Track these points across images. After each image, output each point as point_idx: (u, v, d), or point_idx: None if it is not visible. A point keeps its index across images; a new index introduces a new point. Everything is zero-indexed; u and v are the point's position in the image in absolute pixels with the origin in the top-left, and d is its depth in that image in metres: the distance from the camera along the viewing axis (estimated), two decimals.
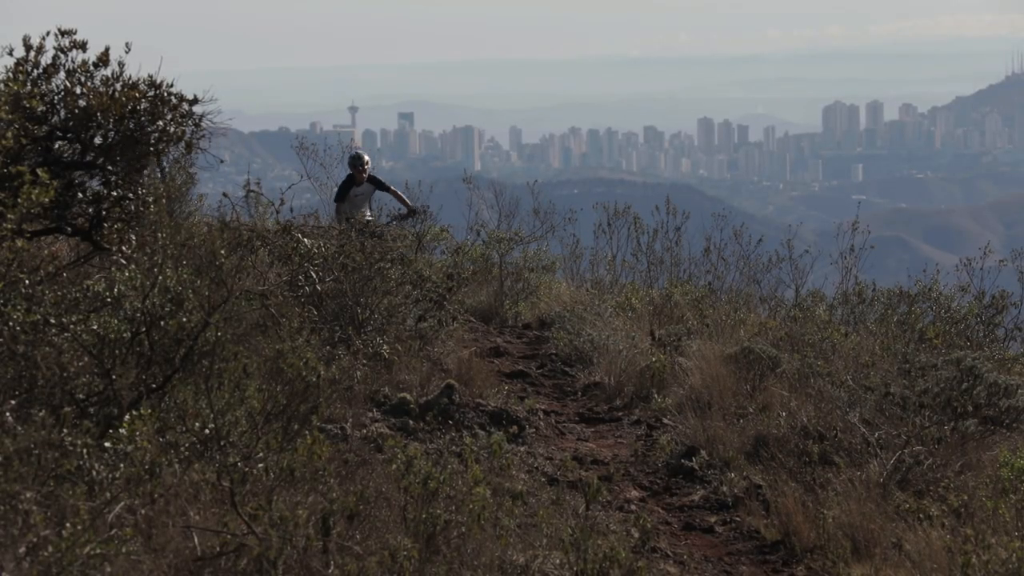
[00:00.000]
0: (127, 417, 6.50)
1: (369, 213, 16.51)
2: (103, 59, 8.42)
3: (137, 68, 8.48)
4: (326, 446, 7.14)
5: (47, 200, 7.16)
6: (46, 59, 8.35)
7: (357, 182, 16.53)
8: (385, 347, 11.90)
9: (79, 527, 5.53)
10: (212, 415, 7.11)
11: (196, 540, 6.43)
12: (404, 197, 16.92)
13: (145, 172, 8.74)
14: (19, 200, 7.08)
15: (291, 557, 6.40)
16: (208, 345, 7.46)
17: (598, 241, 19.01)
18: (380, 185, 16.77)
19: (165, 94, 8.53)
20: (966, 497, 9.20)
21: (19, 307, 7.00)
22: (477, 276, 16.69)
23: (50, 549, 5.44)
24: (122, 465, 6.21)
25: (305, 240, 12.59)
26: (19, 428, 6.21)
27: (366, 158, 16.67)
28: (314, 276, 12.25)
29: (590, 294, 17.20)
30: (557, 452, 11.20)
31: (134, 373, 7.37)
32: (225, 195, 14.28)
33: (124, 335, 7.31)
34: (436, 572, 7.24)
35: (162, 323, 7.40)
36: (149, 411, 6.58)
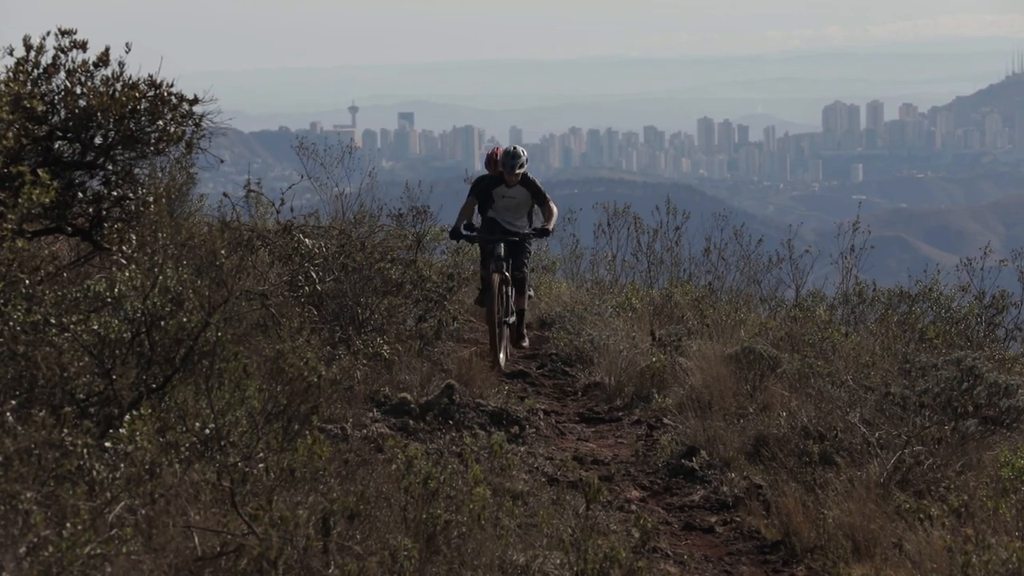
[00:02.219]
0: (127, 417, 6.50)
1: (525, 224, 13.70)
2: (103, 59, 8.42)
3: (137, 68, 8.49)
4: (326, 446, 7.15)
5: (47, 200, 7.16)
6: (46, 59, 8.35)
7: (507, 183, 13.47)
8: (385, 347, 11.90)
9: (79, 527, 5.53)
10: (212, 415, 7.11)
11: (196, 540, 6.43)
12: (554, 217, 13.73)
13: (138, 171, 8.73)
14: (19, 200, 7.08)
15: (291, 557, 6.40)
16: (208, 345, 7.46)
17: (598, 241, 19.02)
18: (538, 195, 13.59)
19: (165, 94, 8.53)
20: (966, 497, 9.20)
21: (19, 307, 7.00)
22: (477, 276, 16.68)
23: (50, 549, 5.44)
24: (122, 465, 6.21)
25: (306, 240, 12.59)
26: (19, 428, 6.21)
27: (524, 157, 13.50)
28: (314, 276, 12.25)
29: (590, 294, 17.20)
30: (557, 452, 11.20)
31: (134, 373, 7.37)
32: (225, 195, 14.28)
33: (124, 335, 7.31)
34: (436, 572, 7.24)
35: (162, 323, 7.40)
36: (149, 411, 6.58)
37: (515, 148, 13.43)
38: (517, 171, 13.28)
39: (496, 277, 13.21)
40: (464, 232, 13.57)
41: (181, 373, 7.45)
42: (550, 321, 15.74)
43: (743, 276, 17.24)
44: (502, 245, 13.35)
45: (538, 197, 13.44)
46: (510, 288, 13.47)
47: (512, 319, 13.70)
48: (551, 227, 13.65)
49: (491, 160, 14.16)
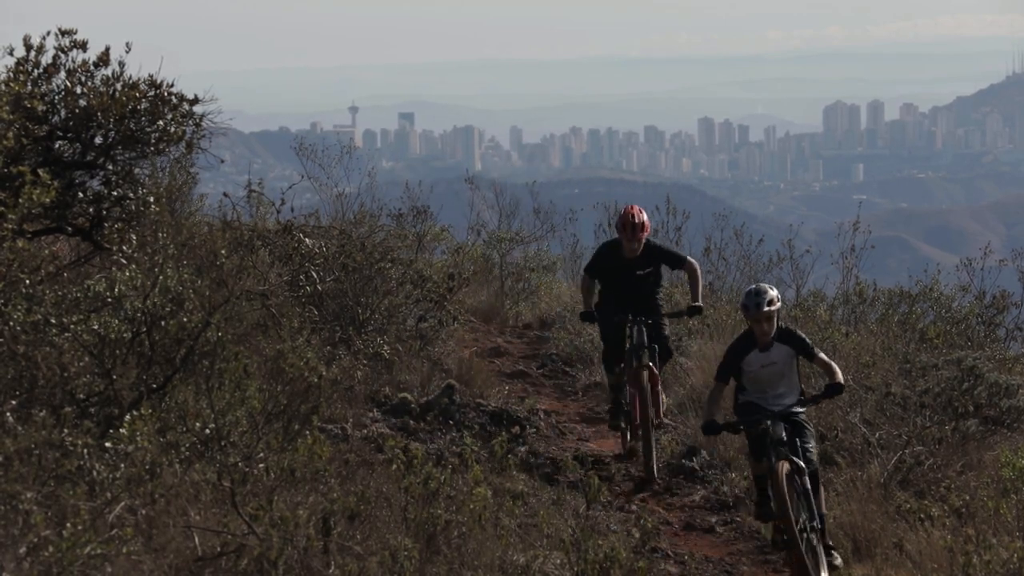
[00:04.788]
0: (128, 417, 6.50)
1: (793, 394, 8.97)
2: (103, 59, 8.43)
3: (137, 68, 8.48)
4: (327, 446, 7.15)
5: (47, 200, 7.16)
6: (46, 59, 8.36)
7: (759, 341, 8.88)
8: (385, 347, 11.90)
9: (80, 527, 5.52)
10: (213, 415, 7.11)
11: (197, 540, 6.43)
12: (836, 370, 8.85)
13: (138, 171, 8.75)
14: (20, 200, 7.08)
15: (292, 557, 6.40)
16: (209, 345, 7.47)
17: (598, 241, 18.98)
18: (804, 348, 8.93)
19: (165, 94, 8.54)
20: (967, 497, 9.21)
21: (19, 307, 7.00)
22: (478, 276, 16.68)
23: (51, 549, 5.44)
24: (123, 465, 6.21)
25: (306, 240, 12.59)
26: (19, 428, 6.20)
27: (773, 293, 8.91)
28: (315, 276, 12.25)
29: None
30: (558, 452, 11.21)
31: (135, 373, 7.37)
32: (226, 195, 14.27)
33: (125, 335, 7.31)
34: (437, 572, 7.24)
35: (163, 323, 7.40)
36: (150, 411, 6.58)
37: (758, 285, 9.02)
38: (766, 309, 8.79)
39: (783, 466, 8.58)
40: (721, 424, 8.96)
41: (181, 373, 7.45)
42: (550, 321, 15.74)
43: (743, 276, 17.22)
44: (781, 425, 8.78)
45: (804, 349, 8.90)
46: (802, 476, 8.67)
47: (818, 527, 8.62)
48: (699, 300, 11.02)
49: (624, 223, 10.93)
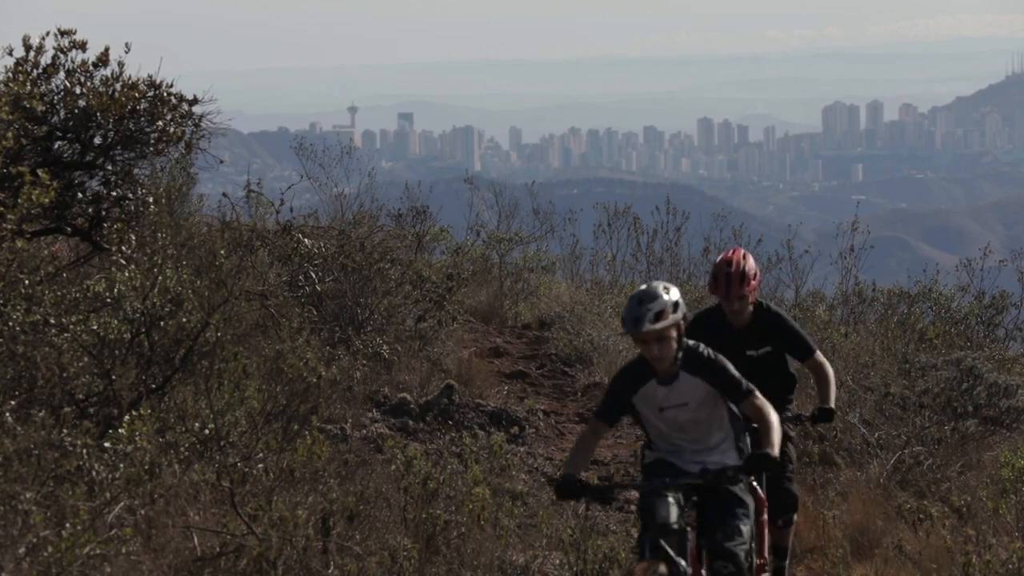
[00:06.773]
0: (127, 417, 6.51)
1: (728, 452, 6.37)
2: (103, 59, 8.43)
3: (137, 68, 8.48)
4: (326, 446, 7.15)
5: (47, 200, 7.17)
6: (46, 59, 8.36)
7: (657, 374, 6.28)
8: (385, 347, 11.90)
9: (79, 527, 5.53)
10: (212, 415, 7.11)
11: (196, 540, 6.43)
12: (773, 427, 6.10)
13: (137, 172, 8.75)
14: (19, 200, 7.08)
15: (291, 557, 6.40)
16: (208, 345, 7.47)
17: (598, 241, 19.01)
18: (731, 391, 6.22)
19: (165, 94, 8.54)
20: (967, 497, 9.21)
21: (19, 307, 7.00)
22: (477, 276, 16.68)
23: (50, 549, 5.44)
24: (122, 465, 6.21)
25: (305, 240, 12.60)
26: (19, 428, 6.21)
27: (665, 299, 6.22)
28: (314, 276, 12.25)
29: (590, 294, 17.20)
30: (557, 452, 11.21)
31: (134, 373, 7.38)
32: (225, 195, 14.29)
33: (124, 335, 7.32)
34: (436, 572, 7.25)
35: (162, 323, 7.41)
36: (149, 411, 6.58)
37: (648, 287, 6.16)
38: (648, 328, 6.04)
39: (647, 570, 5.89)
40: (585, 484, 6.23)
41: (181, 373, 7.46)
42: (550, 321, 15.74)
43: None
44: (671, 503, 6.09)
45: (725, 386, 6.18)
46: None
47: None
48: (832, 401, 7.24)
49: (718, 275, 7.33)
